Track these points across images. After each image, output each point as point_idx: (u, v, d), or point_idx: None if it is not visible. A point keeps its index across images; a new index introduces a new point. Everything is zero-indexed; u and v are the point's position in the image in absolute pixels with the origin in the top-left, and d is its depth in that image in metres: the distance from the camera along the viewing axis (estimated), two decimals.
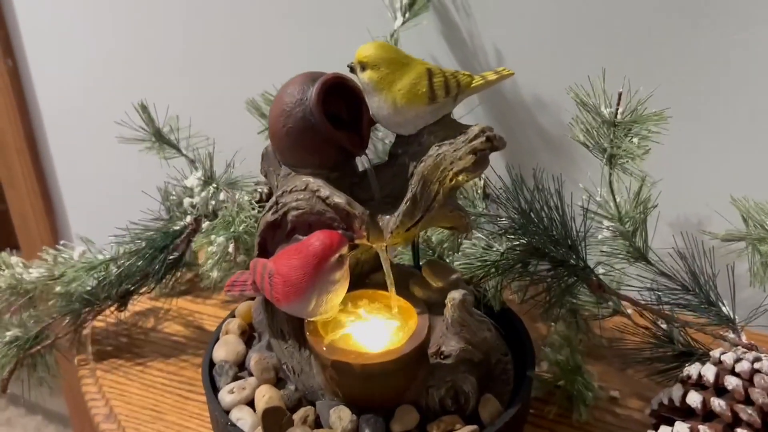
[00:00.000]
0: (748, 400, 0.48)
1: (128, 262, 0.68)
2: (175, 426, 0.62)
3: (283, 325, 0.53)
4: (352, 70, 0.51)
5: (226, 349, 0.55)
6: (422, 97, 0.49)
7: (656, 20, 0.64)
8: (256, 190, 0.68)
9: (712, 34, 0.61)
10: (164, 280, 0.70)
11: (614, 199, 0.58)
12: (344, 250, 0.48)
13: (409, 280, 0.54)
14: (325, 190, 0.50)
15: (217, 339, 0.57)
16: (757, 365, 0.49)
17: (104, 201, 1.06)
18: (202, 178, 0.69)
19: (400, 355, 0.47)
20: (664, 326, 0.59)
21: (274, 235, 0.53)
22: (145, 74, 0.94)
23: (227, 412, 0.51)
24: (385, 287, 0.53)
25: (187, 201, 0.72)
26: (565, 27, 0.70)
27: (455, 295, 0.48)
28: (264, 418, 0.47)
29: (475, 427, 0.47)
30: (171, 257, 0.69)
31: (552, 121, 0.71)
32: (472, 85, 0.51)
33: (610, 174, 0.57)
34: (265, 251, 0.54)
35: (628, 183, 0.58)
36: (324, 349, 0.48)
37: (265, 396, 0.49)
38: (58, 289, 0.70)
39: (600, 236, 0.60)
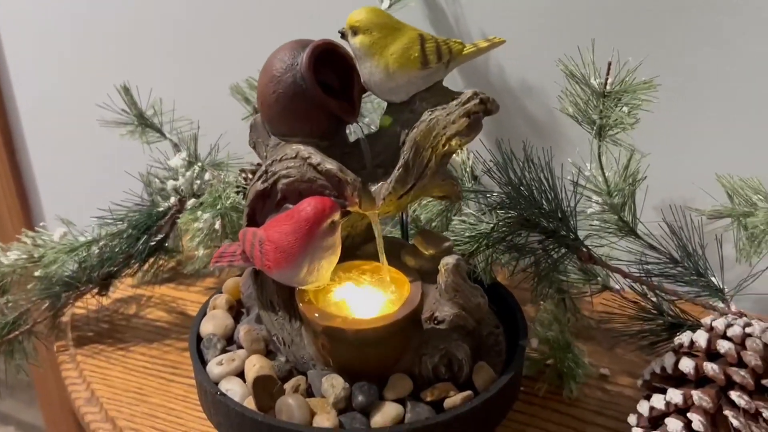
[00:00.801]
0: (740, 363, 0.48)
1: (111, 244, 0.66)
2: (160, 408, 0.61)
3: (273, 297, 0.52)
4: (343, 35, 0.50)
5: (213, 323, 0.54)
6: (414, 62, 0.48)
7: None
8: (243, 170, 0.68)
9: (702, 7, 0.62)
10: (147, 263, 0.69)
11: (603, 173, 0.58)
12: (336, 216, 0.47)
13: (401, 251, 0.53)
14: (317, 157, 0.49)
15: (204, 314, 0.55)
16: (748, 330, 0.49)
17: (81, 188, 1.05)
18: (187, 158, 0.68)
19: (394, 321, 0.47)
20: (653, 299, 0.59)
21: (263, 205, 0.52)
22: (127, 58, 0.92)
23: (216, 384, 0.49)
24: (375, 258, 0.52)
25: (171, 183, 0.71)
26: (551, 6, 0.70)
27: (449, 260, 0.47)
28: (255, 387, 0.46)
29: (469, 392, 0.47)
30: (155, 239, 0.68)
31: (540, 100, 0.71)
32: (464, 53, 0.51)
33: (599, 147, 0.57)
34: (254, 221, 0.53)
35: (617, 156, 0.58)
36: (316, 315, 0.47)
37: (256, 365, 0.48)
38: (37, 272, 0.69)
39: (589, 210, 0.60)
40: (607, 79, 0.53)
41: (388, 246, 0.52)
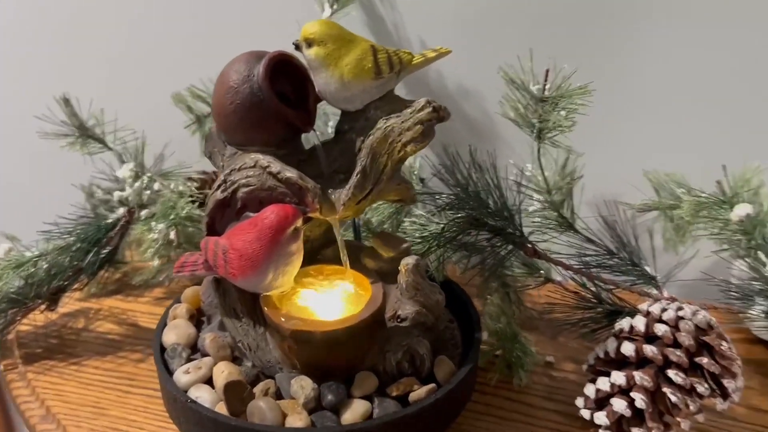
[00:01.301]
0: (676, 344, 0.53)
1: (60, 257, 0.65)
2: (120, 420, 0.61)
3: (236, 304, 0.53)
4: (297, 47, 0.52)
5: (176, 333, 0.54)
6: (368, 72, 0.51)
7: (574, 8, 0.69)
8: (191, 178, 0.68)
9: (625, 17, 0.66)
10: (98, 276, 0.68)
11: (543, 173, 0.62)
12: (299, 222, 0.49)
13: (359, 253, 0.55)
14: (276, 165, 0.51)
15: (164, 324, 0.56)
16: (680, 313, 0.54)
17: (16, 202, 1.01)
18: (134, 169, 0.68)
19: (359, 321, 0.49)
20: (593, 289, 0.63)
21: (222, 214, 0.53)
22: (65, 68, 0.90)
23: (185, 392, 0.50)
24: (335, 262, 0.54)
25: (117, 194, 0.71)
26: (485, 15, 0.74)
27: (409, 261, 0.50)
28: (226, 392, 0.47)
29: (433, 385, 0.49)
30: (104, 251, 0.67)
31: (479, 105, 0.74)
32: (413, 62, 0.53)
33: (539, 149, 0.61)
34: (214, 230, 0.54)
35: (554, 157, 0.62)
36: (282, 319, 0.49)
37: (224, 372, 0.49)
38: None
39: (531, 208, 0.63)
40: (545, 85, 0.57)
41: (347, 249, 0.54)
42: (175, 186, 0.62)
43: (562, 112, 0.56)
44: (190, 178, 0.69)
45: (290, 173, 0.51)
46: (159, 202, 0.62)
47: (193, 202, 0.61)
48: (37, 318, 0.72)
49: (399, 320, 0.50)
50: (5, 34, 0.92)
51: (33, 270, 0.66)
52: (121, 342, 0.71)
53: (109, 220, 0.67)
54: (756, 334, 0.68)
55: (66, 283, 0.65)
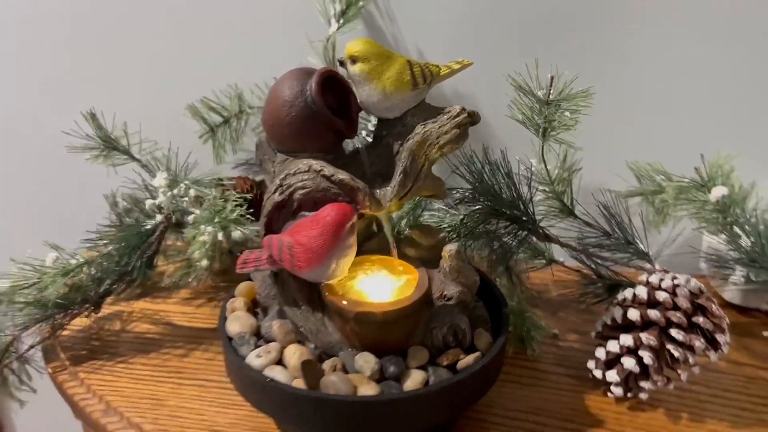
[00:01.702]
0: (675, 307, 0.62)
1: (105, 263, 0.70)
2: (179, 409, 0.66)
3: (295, 294, 0.59)
4: (342, 63, 0.59)
5: (240, 323, 0.60)
6: (407, 84, 0.58)
7: (566, 16, 0.78)
8: (222, 183, 0.74)
9: (612, 24, 0.76)
10: (139, 279, 0.73)
11: (546, 167, 0.71)
12: (355, 218, 0.56)
13: (399, 244, 0.62)
14: (329, 169, 0.57)
15: (224, 318, 0.62)
16: (676, 282, 0.63)
17: (30, 217, 1.04)
18: (168, 177, 0.73)
19: (412, 302, 0.56)
20: (593, 266, 0.72)
21: (279, 215, 0.60)
22: (89, 83, 0.94)
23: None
24: (377, 252, 0.61)
25: (149, 202, 0.76)
26: (477, 30, 0.82)
27: (451, 247, 0.57)
28: (303, 370, 0.53)
29: (478, 353, 0.57)
30: (145, 255, 0.72)
31: (492, 109, 0.82)
32: (441, 74, 0.61)
33: (542, 146, 0.70)
34: (271, 230, 0.60)
35: (557, 152, 0.71)
36: (345, 303, 0.56)
37: (296, 353, 0.56)
38: (26, 297, 0.71)
39: (537, 198, 0.72)
40: (549, 90, 0.65)
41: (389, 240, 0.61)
42: (219, 192, 0.67)
43: (566, 113, 0.64)
44: (221, 184, 0.75)
45: (343, 175, 0.57)
46: (204, 206, 0.67)
47: (239, 206, 0.66)
48: (75, 323, 0.76)
49: (446, 299, 0.58)
50: (27, 52, 0.95)
51: (82, 276, 0.70)
52: (161, 340, 0.76)
53: (148, 227, 0.72)
54: (728, 300, 0.79)
55: (114, 286, 0.70)
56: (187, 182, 0.71)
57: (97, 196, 0.81)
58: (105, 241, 0.71)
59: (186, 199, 0.71)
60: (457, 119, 0.57)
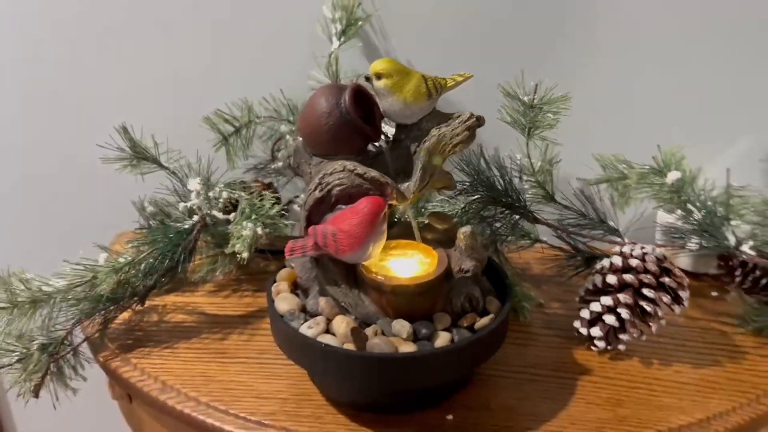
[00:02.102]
0: (645, 271, 0.75)
1: (152, 260, 0.79)
2: (229, 383, 0.76)
3: (335, 275, 0.70)
4: (368, 79, 0.70)
5: (288, 302, 0.71)
6: (424, 95, 0.69)
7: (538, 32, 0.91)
8: (249, 186, 0.84)
9: (581, 30, 0.90)
10: (180, 272, 0.82)
11: (530, 161, 0.83)
12: (386, 209, 0.67)
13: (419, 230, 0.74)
14: (361, 168, 0.69)
15: (272, 300, 0.72)
16: (644, 250, 0.77)
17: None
18: (201, 181, 0.83)
19: (437, 275, 0.67)
20: (572, 243, 0.86)
21: (318, 209, 0.70)
22: (118, 97, 1.02)
23: None
24: (399, 237, 0.73)
25: (182, 205, 0.85)
26: (463, 45, 0.95)
27: (466, 229, 0.69)
28: (352, 335, 0.64)
29: (492, 315, 0.69)
30: (186, 251, 0.81)
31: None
32: (448, 86, 0.73)
33: (527, 143, 0.82)
34: (312, 221, 0.70)
35: (540, 148, 0.83)
36: (381, 278, 0.67)
37: (343, 322, 0.66)
38: (78, 294, 0.79)
39: (524, 187, 0.85)
40: (534, 96, 0.78)
41: (409, 228, 0.73)
42: (248, 192, 0.77)
43: (549, 114, 0.77)
44: (247, 186, 0.85)
45: (373, 173, 0.68)
46: (242, 205, 0.77)
47: (276, 203, 0.77)
48: (117, 318, 0.85)
49: (464, 272, 0.69)
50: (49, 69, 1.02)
51: (132, 272, 0.79)
52: (198, 327, 0.85)
53: (187, 226, 0.81)
54: (681, 267, 0.93)
55: (164, 280, 0.79)
56: (221, 185, 0.80)
57: (122, 202, 0.90)
58: (149, 240, 0.79)
59: (221, 200, 0.80)
60: (467, 122, 0.69)
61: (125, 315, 0.86)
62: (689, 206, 0.80)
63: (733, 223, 0.80)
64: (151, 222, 0.91)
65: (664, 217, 0.94)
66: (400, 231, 0.74)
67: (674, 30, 0.92)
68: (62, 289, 0.78)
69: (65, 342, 0.79)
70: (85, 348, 0.82)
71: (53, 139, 1.06)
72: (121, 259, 0.79)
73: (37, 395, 0.78)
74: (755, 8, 0.90)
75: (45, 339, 0.78)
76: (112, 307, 0.80)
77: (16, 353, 0.77)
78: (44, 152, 1.06)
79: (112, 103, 1.02)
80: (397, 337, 0.66)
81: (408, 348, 0.65)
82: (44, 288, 0.78)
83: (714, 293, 0.90)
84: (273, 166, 0.98)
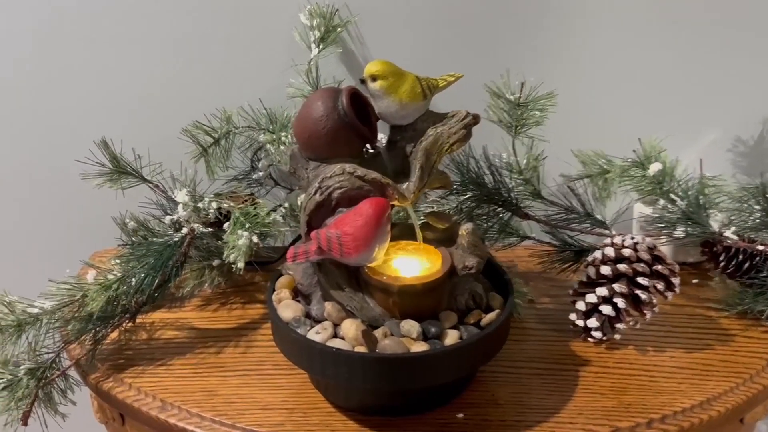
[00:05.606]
0: (638, 260, 0.77)
1: (143, 275, 0.77)
2: (231, 396, 0.74)
3: (338, 279, 0.69)
4: (363, 81, 0.70)
5: (291, 309, 0.70)
6: (419, 96, 0.70)
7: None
8: (238, 196, 0.83)
9: (557, 33, 0.92)
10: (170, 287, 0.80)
11: (517, 159, 0.85)
12: (390, 209, 0.67)
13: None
14: (361, 170, 0.68)
15: (274, 309, 0.71)
16: (635, 240, 0.79)
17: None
18: (189, 193, 0.81)
19: (443, 273, 0.68)
20: (561, 237, 0.87)
21: (318, 213, 0.70)
22: (92, 114, 0.99)
23: None
24: (400, 238, 0.73)
25: (168, 218, 0.83)
26: (435, 47, 0.95)
27: (468, 226, 0.70)
28: (364, 337, 0.64)
29: (497, 311, 0.70)
30: (177, 264, 0.80)
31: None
32: (440, 86, 0.73)
33: (513, 141, 0.84)
34: (311, 226, 0.70)
35: (527, 146, 0.85)
36: (386, 279, 0.67)
37: (352, 326, 0.66)
38: (68, 314, 0.76)
39: (510, 185, 0.86)
40: (520, 95, 0.80)
41: (408, 228, 0.73)
42: (249, 202, 0.76)
43: (536, 112, 0.78)
44: (236, 196, 0.83)
45: (374, 175, 0.68)
46: (236, 214, 0.76)
47: (273, 211, 0.76)
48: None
49: (468, 269, 0.70)
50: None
51: (122, 289, 0.76)
52: (191, 342, 0.83)
53: (176, 239, 0.80)
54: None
55: (156, 294, 0.77)
56: (210, 196, 0.79)
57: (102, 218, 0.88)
58: (138, 256, 0.77)
59: (210, 211, 0.79)
60: (464, 121, 0.70)
61: (113, 335, 0.83)
62: (672, 196, 0.82)
63: (710, 211, 0.83)
64: (133, 238, 0.88)
65: (641, 209, 0.96)
66: (400, 231, 0.74)
67: (652, 26, 0.94)
68: (49, 309, 0.75)
69: (54, 365, 0.76)
70: (73, 371, 0.79)
71: (26, 158, 1.02)
72: (111, 276, 0.77)
73: (26, 423, 0.74)
74: (724, 5, 0.93)
75: (32, 363, 0.75)
76: (101, 326, 0.77)
77: (3, 380, 0.74)
78: (17, 170, 1.03)
79: (90, 117, 0.99)
80: (406, 338, 0.66)
81: (420, 347, 0.65)
82: (29, 310, 0.75)
83: (695, 280, 0.92)
84: (254, 176, 0.97)
